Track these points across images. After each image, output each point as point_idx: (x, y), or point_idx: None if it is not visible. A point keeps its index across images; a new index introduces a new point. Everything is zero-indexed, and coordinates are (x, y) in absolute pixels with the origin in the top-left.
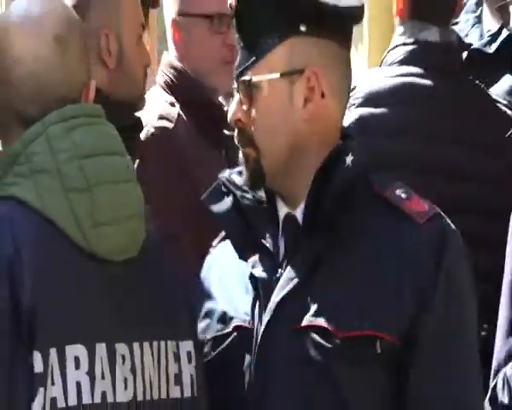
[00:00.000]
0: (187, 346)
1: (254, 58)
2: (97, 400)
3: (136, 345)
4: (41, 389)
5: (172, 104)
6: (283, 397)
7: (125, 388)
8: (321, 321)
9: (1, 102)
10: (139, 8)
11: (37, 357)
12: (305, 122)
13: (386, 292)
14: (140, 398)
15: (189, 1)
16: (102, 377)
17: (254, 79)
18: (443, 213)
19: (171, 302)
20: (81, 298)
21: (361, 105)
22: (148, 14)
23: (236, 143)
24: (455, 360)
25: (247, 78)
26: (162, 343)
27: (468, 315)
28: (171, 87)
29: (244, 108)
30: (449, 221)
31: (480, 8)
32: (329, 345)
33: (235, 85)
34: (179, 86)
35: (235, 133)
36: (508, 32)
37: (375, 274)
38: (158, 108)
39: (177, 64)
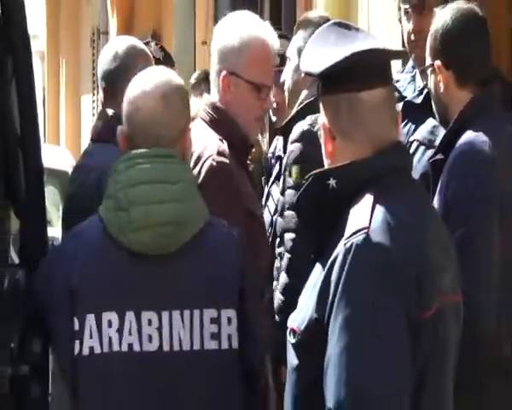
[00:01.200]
0: (228, 313)
1: None
2: (124, 349)
3: (164, 313)
4: (77, 341)
5: (221, 140)
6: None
7: (150, 341)
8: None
9: (127, 140)
10: None
11: (76, 321)
12: (327, 157)
13: (312, 297)
14: (166, 349)
15: (242, 66)
16: (129, 334)
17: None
18: (372, 227)
19: (213, 283)
20: (117, 280)
21: None
22: None
23: None
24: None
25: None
26: (196, 311)
27: (357, 314)
28: (214, 124)
29: None
30: (366, 235)
31: (414, 70)
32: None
33: None
34: (223, 125)
35: None
36: None
37: (320, 279)
38: (214, 145)
39: (221, 106)
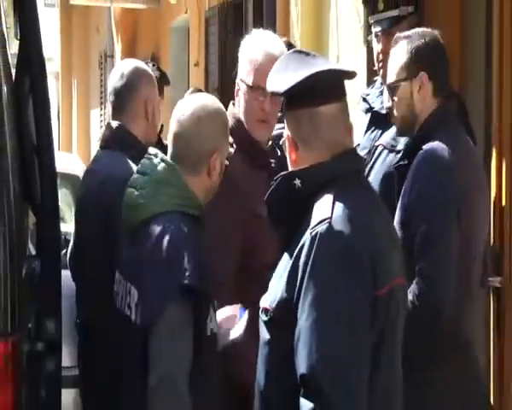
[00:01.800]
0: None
1: None
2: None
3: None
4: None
5: (231, 145)
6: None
7: None
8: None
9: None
10: None
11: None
12: (292, 164)
13: (285, 275)
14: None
15: (244, 72)
16: None
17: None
18: (338, 219)
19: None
20: None
21: None
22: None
23: None
24: (310, 323)
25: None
26: (129, 285)
27: (318, 294)
28: (231, 131)
29: None
30: (329, 224)
31: (382, 86)
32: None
33: None
34: (236, 131)
35: None
36: None
37: (285, 262)
38: None
39: (236, 114)
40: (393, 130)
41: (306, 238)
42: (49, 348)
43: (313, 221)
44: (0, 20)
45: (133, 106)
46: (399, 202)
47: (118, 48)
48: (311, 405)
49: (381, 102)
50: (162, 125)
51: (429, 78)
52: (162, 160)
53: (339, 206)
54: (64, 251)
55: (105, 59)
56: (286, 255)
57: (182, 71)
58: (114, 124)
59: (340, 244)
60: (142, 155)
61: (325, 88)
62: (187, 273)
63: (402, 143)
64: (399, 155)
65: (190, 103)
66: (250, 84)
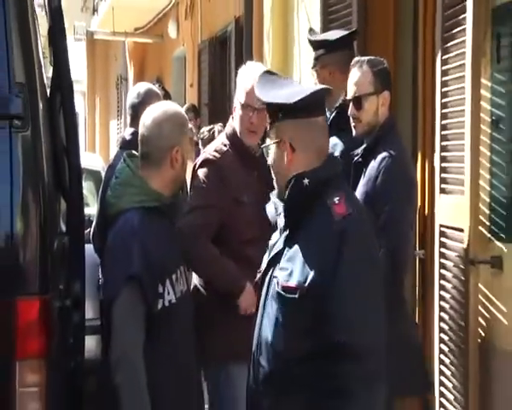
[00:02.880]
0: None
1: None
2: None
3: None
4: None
5: (225, 145)
6: (261, 310)
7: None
8: (277, 273)
9: None
10: None
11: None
12: (288, 168)
13: (310, 260)
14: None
15: (238, 93)
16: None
17: (266, 144)
18: (354, 214)
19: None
20: None
21: None
22: None
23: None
24: (347, 298)
25: (265, 145)
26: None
27: (352, 274)
28: (228, 137)
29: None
30: (354, 219)
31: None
32: (277, 288)
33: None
34: (231, 138)
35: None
36: (333, 114)
37: (307, 249)
38: (216, 145)
39: (233, 125)
40: (332, 140)
41: (334, 230)
42: (76, 304)
43: (335, 217)
44: (38, 51)
45: (139, 113)
46: (361, 190)
47: (131, 72)
48: (348, 366)
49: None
50: None
51: (390, 95)
52: (127, 164)
53: (350, 203)
54: (88, 230)
55: (121, 81)
56: (302, 242)
57: (180, 90)
58: (130, 130)
59: (362, 236)
60: None
61: (321, 102)
62: (132, 263)
63: (339, 151)
64: (357, 156)
65: (153, 110)
66: (242, 102)
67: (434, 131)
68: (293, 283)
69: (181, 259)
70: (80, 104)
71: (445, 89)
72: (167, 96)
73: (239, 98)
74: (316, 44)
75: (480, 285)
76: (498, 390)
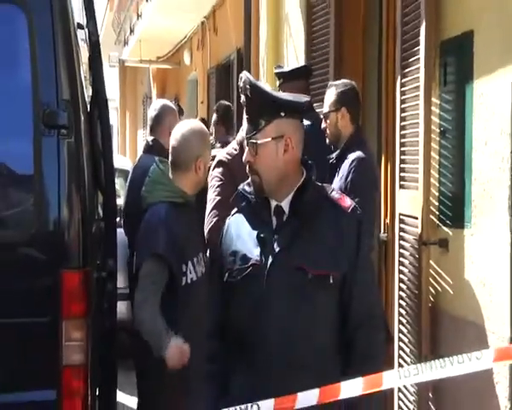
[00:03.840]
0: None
1: (255, 131)
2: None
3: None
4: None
5: (236, 149)
6: (278, 302)
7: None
8: (301, 264)
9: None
10: None
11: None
12: (284, 163)
13: (333, 249)
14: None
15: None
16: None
17: (259, 141)
18: (356, 205)
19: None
20: None
21: None
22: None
23: (248, 172)
24: (368, 282)
25: (253, 141)
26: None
27: (368, 258)
28: (237, 143)
29: (251, 155)
30: (357, 210)
31: None
32: (306, 277)
33: (246, 143)
34: (241, 143)
35: (248, 168)
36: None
37: (327, 240)
38: (228, 149)
39: (242, 135)
40: None
41: (348, 222)
42: (109, 276)
43: (346, 210)
44: (81, 75)
45: (161, 127)
46: (337, 185)
47: (154, 92)
48: (381, 334)
49: None
50: None
51: (347, 111)
52: (158, 167)
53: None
54: (118, 217)
55: (146, 99)
56: (318, 234)
57: (193, 106)
58: (151, 138)
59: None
60: (167, 157)
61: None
62: (158, 244)
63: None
64: (331, 159)
65: (182, 126)
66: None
67: (395, 139)
68: (324, 271)
69: (201, 245)
70: (114, 117)
71: (403, 105)
72: (181, 111)
73: (245, 114)
74: (277, 75)
75: (430, 262)
76: (445, 342)
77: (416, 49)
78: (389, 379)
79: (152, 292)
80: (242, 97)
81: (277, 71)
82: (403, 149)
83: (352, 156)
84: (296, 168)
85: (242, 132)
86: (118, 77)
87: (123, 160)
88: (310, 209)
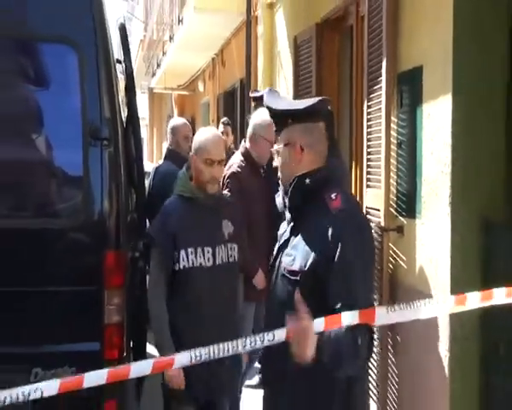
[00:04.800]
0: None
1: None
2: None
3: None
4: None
5: (242, 161)
6: (277, 289)
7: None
8: (285, 260)
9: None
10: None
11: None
12: (297, 165)
13: (314, 248)
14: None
15: (250, 128)
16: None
17: (277, 149)
18: (348, 208)
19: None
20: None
21: None
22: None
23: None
24: (347, 272)
25: (275, 149)
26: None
27: (350, 253)
28: (243, 155)
29: (276, 161)
30: (349, 212)
31: None
32: (284, 273)
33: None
34: (246, 156)
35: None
36: None
37: (313, 239)
38: (238, 162)
39: (247, 146)
40: None
41: (330, 221)
42: (141, 255)
43: (332, 210)
44: (119, 99)
45: (176, 138)
46: None
47: (175, 112)
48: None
49: None
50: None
51: (325, 128)
52: (184, 170)
53: (345, 200)
54: None
55: (169, 118)
56: (304, 232)
57: (205, 124)
58: (168, 147)
59: (357, 222)
60: (183, 163)
61: (321, 110)
62: (153, 228)
63: None
64: None
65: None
66: (252, 133)
67: (363, 148)
68: (295, 267)
69: (210, 241)
70: (144, 132)
71: (369, 123)
72: (192, 124)
73: (251, 131)
74: (256, 100)
75: (390, 244)
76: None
77: (378, 79)
78: (347, 318)
79: (159, 283)
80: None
81: (255, 96)
82: (368, 156)
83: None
84: (313, 166)
85: (245, 144)
86: (147, 100)
87: (150, 165)
88: (294, 207)
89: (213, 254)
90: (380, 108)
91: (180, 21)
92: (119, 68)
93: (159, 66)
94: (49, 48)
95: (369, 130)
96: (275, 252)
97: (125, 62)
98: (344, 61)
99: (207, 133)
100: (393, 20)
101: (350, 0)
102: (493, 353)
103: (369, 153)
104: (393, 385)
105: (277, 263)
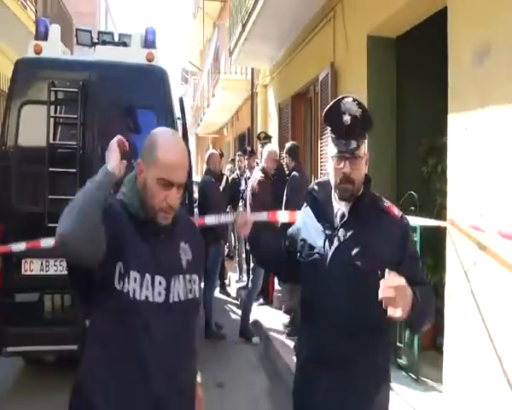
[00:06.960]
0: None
1: (358, 147)
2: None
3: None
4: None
5: (262, 177)
6: (336, 284)
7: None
8: (354, 261)
9: None
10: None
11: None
12: (363, 174)
13: (382, 249)
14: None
15: (261, 155)
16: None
17: (360, 155)
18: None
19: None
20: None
21: None
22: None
23: (341, 182)
24: (417, 269)
25: (356, 155)
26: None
27: (416, 254)
28: (261, 170)
29: (350, 168)
30: (405, 217)
31: None
32: (359, 272)
33: (340, 156)
34: (263, 170)
35: (342, 178)
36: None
37: (380, 241)
38: (259, 174)
39: (263, 164)
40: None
41: (400, 226)
42: None
43: (396, 217)
44: (177, 128)
45: (210, 161)
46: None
47: (210, 146)
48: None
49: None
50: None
51: (290, 156)
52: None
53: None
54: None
55: (208, 148)
56: (373, 234)
57: (228, 156)
58: (205, 167)
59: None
60: (215, 177)
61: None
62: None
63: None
64: (286, 175)
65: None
66: (267, 157)
67: (317, 169)
68: (373, 267)
69: (163, 269)
70: (193, 159)
71: (321, 153)
72: (222, 154)
73: (269, 156)
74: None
75: None
76: None
77: (326, 129)
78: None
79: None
80: (346, 117)
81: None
82: (321, 172)
83: (292, 174)
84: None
85: (262, 164)
86: (195, 141)
87: (197, 177)
88: (365, 214)
89: (167, 288)
90: (327, 146)
91: (213, 95)
92: (179, 122)
93: (201, 120)
94: (141, 112)
95: (321, 159)
96: (322, 249)
97: (182, 119)
98: (307, 118)
99: (170, 141)
100: (335, 93)
101: (310, 82)
102: None
103: (321, 172)
104: None
105: (336, 261)
